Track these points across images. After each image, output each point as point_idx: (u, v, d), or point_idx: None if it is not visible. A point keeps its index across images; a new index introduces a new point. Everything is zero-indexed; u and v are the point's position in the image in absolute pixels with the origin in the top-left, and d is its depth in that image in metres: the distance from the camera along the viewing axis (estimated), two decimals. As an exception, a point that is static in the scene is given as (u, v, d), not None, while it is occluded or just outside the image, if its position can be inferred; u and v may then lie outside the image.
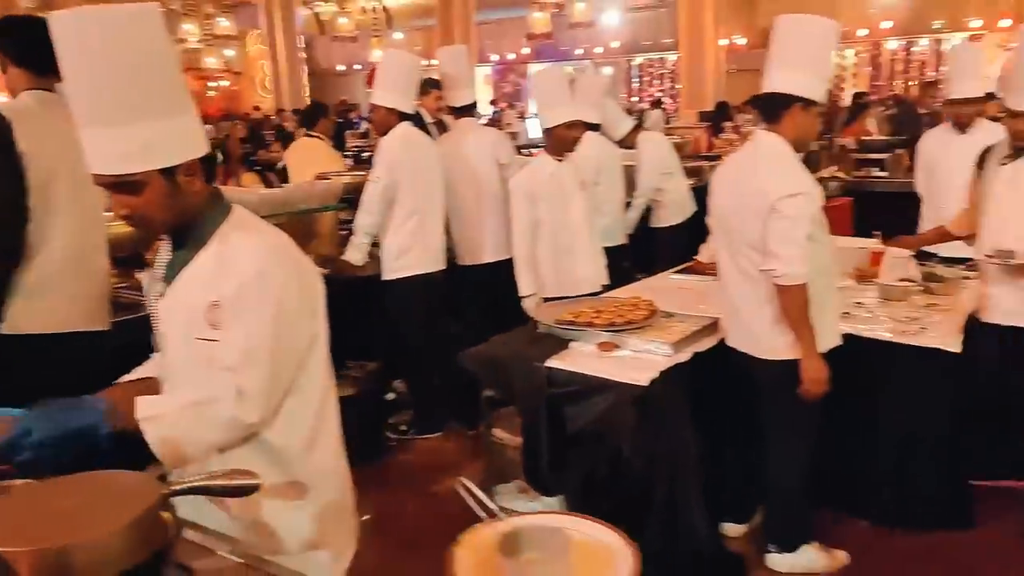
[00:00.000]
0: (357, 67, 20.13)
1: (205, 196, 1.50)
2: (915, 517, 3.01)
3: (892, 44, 16.11)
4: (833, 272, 2.78)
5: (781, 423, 2.75)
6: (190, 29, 15.77)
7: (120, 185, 1.40)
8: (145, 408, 1.40)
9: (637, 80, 19.44)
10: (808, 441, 2.73)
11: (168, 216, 1.45)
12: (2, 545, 1.00)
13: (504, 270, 3.77)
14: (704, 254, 3.90)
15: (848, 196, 6.39)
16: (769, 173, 2.57)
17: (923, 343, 2.91)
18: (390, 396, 4.29)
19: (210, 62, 18.37)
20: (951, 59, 4.32)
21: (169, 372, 1.58)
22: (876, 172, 7.04)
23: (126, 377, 1.68)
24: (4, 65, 2.52)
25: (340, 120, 9.78)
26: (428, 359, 4.05)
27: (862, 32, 15.93)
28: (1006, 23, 13.69)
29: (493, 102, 18.24)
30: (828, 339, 2.66)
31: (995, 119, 4.11)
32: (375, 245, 3.96)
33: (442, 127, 5.06)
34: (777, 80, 2.59)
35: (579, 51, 18.75)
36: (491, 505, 1.18)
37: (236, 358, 1.42)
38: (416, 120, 4.84)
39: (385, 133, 3.90)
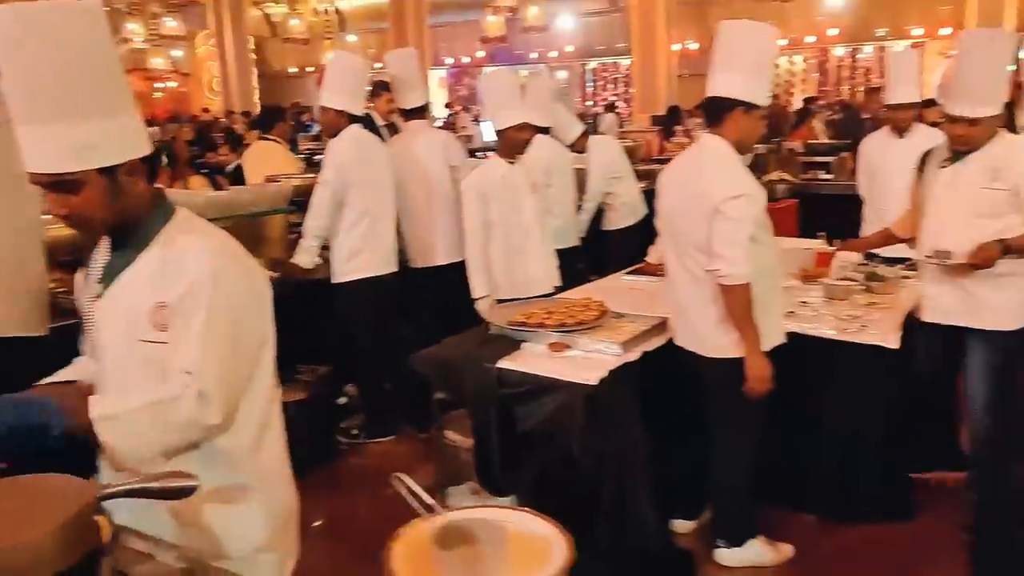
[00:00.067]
0: (310, 69, 19.93)
1: (147, 197, 1.49)
2: (858, 511, 3.09)
3: (839, 51, 16.55)
4: (777, 272, 2.84)
5: (726, 421, 2.81)
6: (135, 29, 15.43)
7: (57, 184, 1.39)
8: (100, 407, 1.37)
9: (591, 84, 19.60)
10: (753, 438, 2.79)
11: (108, 216, 1.44)
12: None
13: (456, 272, 3.78)
14: (653, 255, 3.96)
15: (795, 198, 6.53)
16: (713, 175, 2.63)
17: (863, 340, 2.99)
18: (341, 400, 4.26)
19: (156, 63, 17.99)
20: (889, 66, 4.45)
21: (105, 376, 1.55)
22: (822, 175, 7.22)
23: (47, 380, 1.64)
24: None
25: (292, 123, 9.69)
26: (379, 362, 4.03)
27: (810, 39, 16.32)
28: (946, 31, 14.16)
29: (448, 105, 18.22)
30: (772, 338, 2.72)
31: (936, 124, 4.25)
32: (325, 248, 3.93)
33: (393, 129, 5.05)
34: (719, 84, 2.65)
35: (534, 55, 18.85)
36: (428, 500, 1.19)
37: (192, 359, 1.40)
38: (367, 122, 4.82)
39: (334, 135, 3.88)
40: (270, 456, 1.65)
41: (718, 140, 2.67)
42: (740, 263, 2.54)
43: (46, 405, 1.36)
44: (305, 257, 3.83)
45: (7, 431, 1.31)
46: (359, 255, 3.88)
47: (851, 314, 3.24)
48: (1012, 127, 3.48)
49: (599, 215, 5.34)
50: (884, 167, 4.25)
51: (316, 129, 11.59)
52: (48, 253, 2.66)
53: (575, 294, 3.59)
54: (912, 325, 3.14)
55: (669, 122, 10.32)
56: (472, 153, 6.20)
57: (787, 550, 2.95)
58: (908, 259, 3.66)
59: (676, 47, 14.13)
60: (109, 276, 1.52)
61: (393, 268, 4.03)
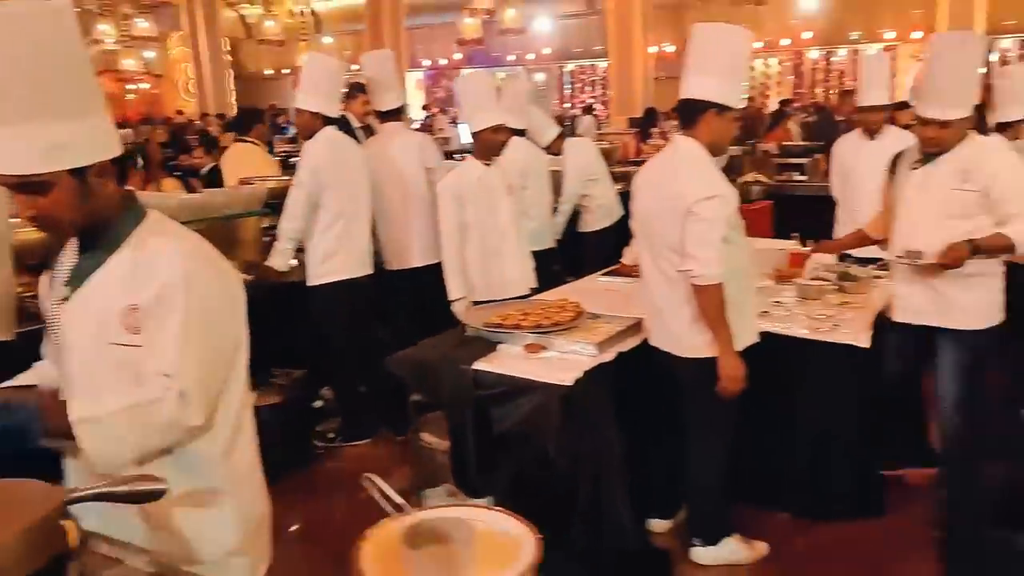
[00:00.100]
0: (285, 71, 19.81)
1: (117, 199, 1.49)
2: (831, 509, 3.13)
3: (813, 54, 16.71)
4: (750, 272, 2.86)
5: (700, 420, 2.83)
6: (106, 30, 15.18)
7: (26, 186, 1.38)
8: (79, 410, 1.36)
9: (569, 86, 19.65)
10: (726, 437, 2.82)
11: (77, 217, 1.43)
12: None
13: (432, 274, 3.78)
14: (628, 256, 3.98)
15: (769, 199, 6.59)
16: (687, 177, 2.65)
17: (835, 340, 3.03)
18: (317, 403, 4.24)
19: (128, 64, 17.73)
20: (861, 69, 4.52)
21: (71, 379, 1.54)
22: (796, 176, 7.29)
23: (4, 385, 1.62)
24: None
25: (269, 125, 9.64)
26: (355, 365, 4.02)
27: (785, 42, 16.49)
28: (917, 35, 14.36)
29: (425, 107, 18.19)
30: (745, 337, 2.74)
31: (908, 126, 4.31)
32: (300, 250, 3.91)
33: (369, 131, 5.03)
34: (692, 86, 2.67)
35: (511, 57, 18.86)
36: (398, 499, 1.19)
37: (170, 361, 1.40)
38: (343, 124, 4.80)
39: (309, 137, 3.87)
40: (242, 460, 1.65)
41: (691, 142, 2.69)
42: (713, 264, 2.56)
43: (25, 407, 1.35)
44: (280, 260, 3.81)
45: None
46: (334, 257, 3.87)
47: (824, 314, 3.28)
48: (982, 129, 3.53)
49: (575, 217, 5.36)
50: (856, 169, 4.30)
51: (292, 131, 11.54)
52: (16, 257, 2.62)
53: (551, 295, 3.60)
54: (883, 325, 3.18)
55: (645, 124, 10.37)
56: (450, 155, 6.20)
57: (762, 548, 2.98)
58: (880, 259, 3.71)
59: (653, 50, 14.20)
60: (77, 279, 1.50)
61: (368, 270, 4.02)
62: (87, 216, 1.44)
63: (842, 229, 4.29)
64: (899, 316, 3.13)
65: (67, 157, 1.37)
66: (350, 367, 4.05)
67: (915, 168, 3.02)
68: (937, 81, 2.87)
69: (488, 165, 3.65)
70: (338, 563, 1.21)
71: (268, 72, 20.96)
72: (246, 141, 5.64)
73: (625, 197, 5.37)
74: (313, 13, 18.84)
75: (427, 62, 20.39)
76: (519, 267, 3.76)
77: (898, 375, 3.24)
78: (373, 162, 4.11)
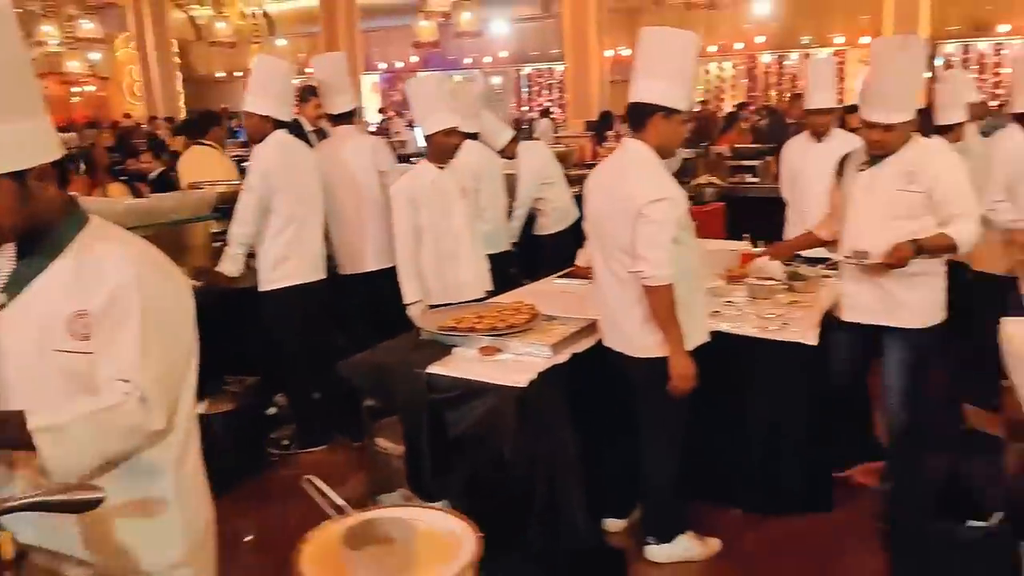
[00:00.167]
0: (238, 74, 19.52)
1: (58, 203, 1.46)
2: (782, 504, 3.19)
3: (766, 57, 17.02)
4: (700, 273, 2.90)
5: (653, 419, 2.86)
6: (50, 31, 14.80)
7: None
8: (40, 419, 1.32)
9: (526, 90, 19.72)
10: (678, 436, 2.85)
11: (17, 222, 1.40)
12: None
13: (387, 278, 3.75)
14: (581, 258, 4.00)
15: (722, 201, 6.69)
16: (636, 180, 2.68)
17: (784, 338, 3.09)
18: (271, 410, 4.19)
19: (73, 66, 17.30)
20: (809, 72, 4.61)
21: (7, 387, 1.49)
22: (749, 178, 7.41)
23: None
24: None
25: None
26: (308, 371, 3.97)
27: (738, 46, 16.78)
28: (866, 40, 14.71)
29: (381, 110, 18.12)
30: (696, 337, 2.78)
31: (855, 130, 4.41)
32: (252, 256, 3.86)
33: (322, 135, 4.99)
34: (641, 90, 2.70)
35: (468, 60, 18.88)
36: (339, 501, 1.19)
37: (128, 365, 1.37)
38: (295, 128, 4.76)
39: (260, 141, 3.82)
40: (191, 471, 1.63)
41: (640, 145, 2.72)
42: (663, 265, 2.59)
43: None
44: (230, 265, 3.75)
45: None
46: (286, 262, 3.83)
47: (773, 313, 3.34)
48: (926, 131, 3.63)
49: (531, 220, 5.37)
50: (804, 171, 4.38)
51: (245, 135, 11.39)
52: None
53: (507, 298, 3.61)
54: (830, 324, 3.25)
55: (601, 127, 10.46)
56: (406, 158, 6.19)
57: (714, 544, 3.02)
58: (828, 259, 3.79)
59: (609, 53, 14.33)
60: (16, 285, 1.47)
61: (321, 275, 3.98)
62: (27, 220, 1.40)
63: (792, 230, 4.36)
64: (847, 315, 3.20)
65: (6, 160, 1.34)
66: (303, 373, 4.00)
67: (862, 170, 3.08)
68: (881, 85, 2.94)
69: (442, 168, 3.64)
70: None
71: (219, 75, 20.62)
72: (204, 144, 5.56)
73: (581, 200, 5.41)
74: (266, 15, 18.60)
75: (383, 65, 20.29)
76: (474, 270, 3.76)
77: (846, 374, 3.31)
78: (325, 166, 4.08)
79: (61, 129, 13.79)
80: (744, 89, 17.10)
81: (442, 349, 2.99)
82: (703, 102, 15.78)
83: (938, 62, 14.64)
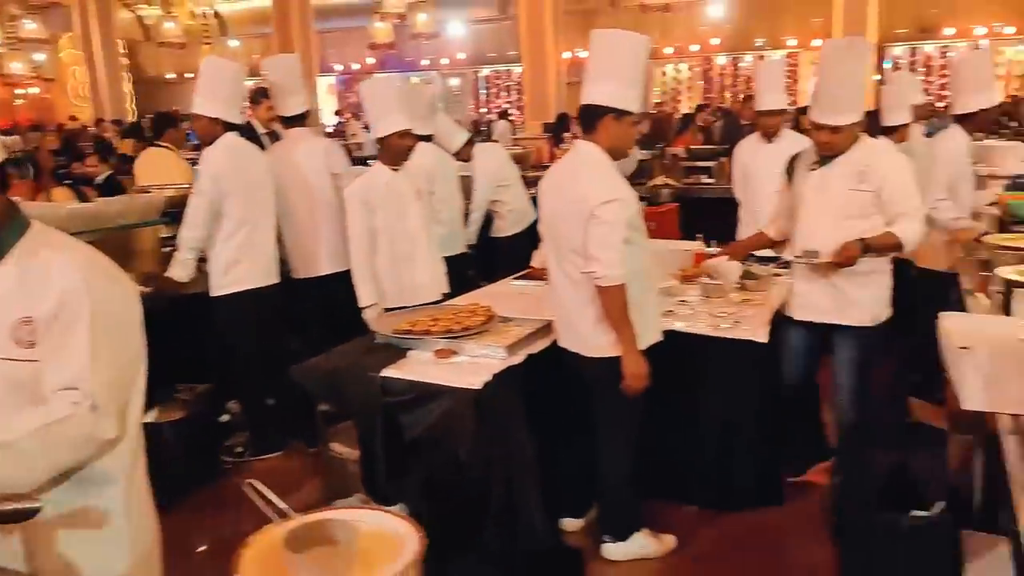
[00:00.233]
0: (189, 75, 19.19)
1: None
2: (736, 499, 3.24)
3: (721, 59, 17.26)
4: (652, 273, 2.93)
5: (608, 418, 2.88)
6: (-9, 33, 14.43)
7: None
8: None
9: (485, 91, 19.72)
10: (632, 434, 2.88)
11: None
12: None
13: (342, 282, 3.72)
14: (536, 260, 4.02)
15: (677, 202, 6.76)
16: (588, 181, 2.69)
17: (735, 336, 3.13)
18: (224, 418, 4.12)
19: (16, 67, 16.82)
20: (758, 75, 4.69)
21: None
22: (704, 179, 7.51)
23: None
24: None
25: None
26: (262, 377, 3.92)
27: (694, 48, 16.99)
28: (818, 43, 15.01)
29: (338, 112, 17.96)
30: (649, 336, 2.81)
31: (808, 131, 4.48)
32: (203, 260, 3.80)
33: (275, 137, 4.93)
34: (591, 92, 2.72)
35: (425, 61, 18.82)
36: (281, 505, 1.19)
37: (78, 372, 1.35)
38: (248, 131, 4.70)
39: (210, 143, 3.76)
40: (141, 479, 1.61)
41: (592, 146, 2.74)
42: (615, 265, 2.62)
43: None
44: (180, 270, 3.69)
45: None
46: (237, 266, 3.77)
47: (725, 311, 3.38)
48: (874, 133, 3.71)
49: (488, 222, 5.37)
50: (756, 171, 4.45)
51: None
52: None
53: (463, 300, 3.60)
54: (781, 322, 3.30)
55: (558, 129, 10.49)
56: (363, 161, 6.13)
57: (670, 540, 3.06)
58: (779, 258, 3.86)
59: (566, 55, 14.40)
60: None
61: (274, 279, 3.94)
62: None
63: (745, 230, 4.42)
64: (799, 314, 3.24)
65: None
66: (257, 379, 3.95)
67: (813, 170, 3.13)
68: (828, 87, 2.99)
69: (396, 170, 3.62)
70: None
71: (170, 76, 20.22)
72: (160, 146, 5.45)
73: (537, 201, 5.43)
74: (217, 15, 18.32)
75: (339, 67, 20.12)
76: (430, 272, 3.75)
77: (798, 372, 3.34)
78: (277, 168, 4.03)
79: (4, 132, 13.39)
80: (700, 91, 17.32)
81: (397, 352, 2.97)
82: (659, 104, 15.95)
83: (887, 64, 15.01)
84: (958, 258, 3.79)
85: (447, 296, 3.75)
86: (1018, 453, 1.61)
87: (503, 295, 3.78)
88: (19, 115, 17.99)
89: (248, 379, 3.97)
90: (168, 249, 3.96)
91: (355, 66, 19.77)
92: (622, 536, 2.97)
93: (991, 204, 4.07)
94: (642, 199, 5.76)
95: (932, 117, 7.28)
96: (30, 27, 14.52)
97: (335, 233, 4.03)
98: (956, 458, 2.61)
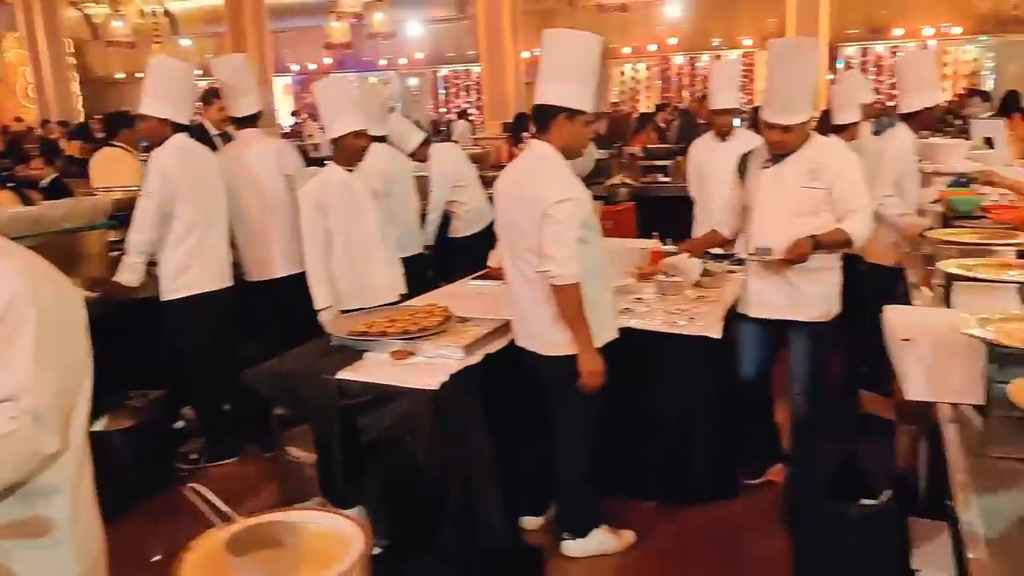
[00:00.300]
0: (139, 75, 18.78)
1: None
2: (692, 494, 3.28)
3: (679, 59, 17.44)
4: (607, 272, 2.94)
5: (565, 416, 2.90)
6: (-68, 32, 13.94)
7: None
8: None
9: (444, 91, 19.67)
10: (589, 431, 2.90)
11: None
12: None
13: (297, 284, 3.68)
14: (493, 259, 4.02)
15: (634, 200, 6.82)
16: (542, 180, 2.70)
17: (690, 332, 3.17)
18: (179, 424, 4.04)
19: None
20: (712, 74, 4.75)
21: None
22: (661, 178, 7.58)
23: None
24: None
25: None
26: (216, 382, 3.86)
27: (652, 47, 17.14)
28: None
29: (294, 113, 17.76)
30: (604, 335, 2.82)
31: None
32: (153, 264, 3.72)
33: (228, 139, 4.85)
34: (544, 92, 2.72)
35: (383, 62, 18.70)
36: (224, 509, 1.17)
37: (20, 381, 1.31)
38: (199, 132, 4.62)
39: (159, 145, 3.69)
40: (88, 490, 1.57)
41: (546, 146, 2.74)
42: (569, 264, 2.63)
43: None
44: (129, 274, 3.61)
45: None
46: (188, 270, 3.71)
47: (681, 308, 3.42)
48: (825, 131, 3.77)
49: (446, 223, 5.35)
50: (710, 169, 4.51)
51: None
52: None
53: (421, 301, 3.59)
54: (735, 319, 3.34)
55: (516, 129, 10.51)
56: (321, 162, 6.05)
57: (628, 536, 3.08)
58: (732, 255, 3.91)
59: (525, 55, 14.43)
60: None
61: (228, 282, 3.88)
62: None
63: (700, 228, 4.48)
64: (755, 312, 3.26)
65: None
66: (211, 384, 3.89)
67: (766, 167, 3.16)
68: (778, 87, 3.03)
69: (350, 171, 3.60)
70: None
71: (119, 76, 19.76)
72: (115, 147, 5.33)
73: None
74: (167, 13, 17.96)
75: (295, 67, 19.89)
76: (387, 273, 3.72)
77: (755, 371, 3.37)
78: (229, 170, 3.97)
79: (-55, 134, 12.88)
80: (658, 90, 17.49)
81: (353, 354, 2.95)
82: (615, 103, 16.06)
83: (840, 64, 15.31)
84: (905, 253, 3.88)
85: (405, 297, 3.73)
86: (957, 442, 1.65)
87: (461, 295, 3.77)
88: (-39, 117, 17.44)
89: (202, 384, 3.91)
90: (116, 253, 3.87)
91: (312, 66, 19.56)
92: (581, 533, 2.99)
93: (935, 201, 4.17)
94: (600, 198, 5.84)
95: (882, 116, 7.44)
96: (-27, 26, 14.09)
97: (289, 235, 3.98)
98: (904, 448, 2.68)
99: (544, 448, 2.98)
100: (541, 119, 2.76)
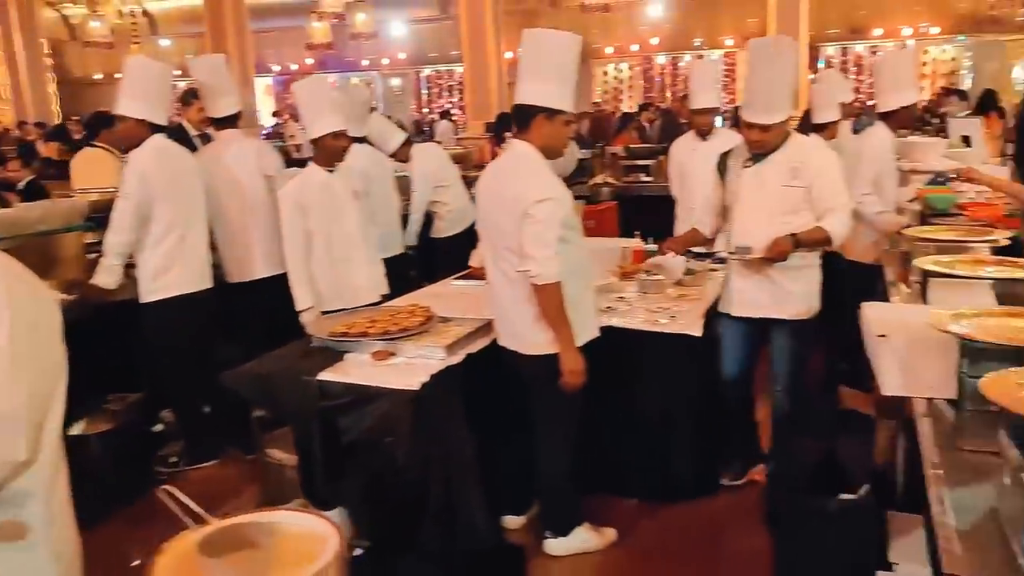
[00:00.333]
0: (118, 76, 18.58)
1: None
2: (674, 491, 3.29)
3: (661, 59, 17.48)
4: (588, 271, 2.95)
5: (547, 416, 2.90)
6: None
7: None
8: None
9: (427, 91, 19.62)
10: (571, 430, 2.90)
11: None
12: None
13: (278, 285, 3.66)
14: (475, 259, 4.02)
15: (617, 200, 6.83)
16: (523, 180, 2.70)
17: (671, 330, 3.18)
18: (158, 427, 4.01)
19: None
20: (692, 74, 4.77)
21: None
22: (643, 177, 7.59)
23: None
24: None
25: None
26: (195, 384, 3.83)
27: (634, 47, 17.17)
28: (753, 42, 15.35)
29: (276, 113, 17.66)
30: (586, 334, 2.83)
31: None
32: (131, 266, 3.69)
33: (208, 139, 4.82)
34: (523, 92, 2.73)
35: (365, 62, 18.63)
36: (197, 510, 1.16)
37: None
38: (178, 132, 4.59)
39: (136, 146, 3.66)
40: (63, 495, 1.54)
41: (525, 146, 2.75)
42: (550, 263, 2.63)
43: None
44: (106, 277, 3.57)
45: None
46: (168, 272, 3.68)
47: (662, 306, 3.43)
48: (805, 130, 3.80)
49: (428, 223, 5.34)
50: (691, 169, 4.53)
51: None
52: None
53: (402, 301, 3.58)
54: (717, 317, 3.35)
55: (499, 128, 10.51)
56: (303, 162, 6.02)
57: (610, 534, 3.09)
58: (713, 253, 3.92)
59: (508, 55, 14.43)
60: None
61: (207, 284, 3.85)
62: None
63: (682, 226, 4.49)
64: (737, 311, 3.26)
65: None
66: (191, 387, 3.86)
67: (747, 166, 3.17)
68: (757, 87, 3.04)
69: (331, 171, 3.58)
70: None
71: (97, 77, 19.53)
72: (96, 147, 5.27)
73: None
74: (146, 13, 17.79)
75: (277, 67, 19.77)
76: (368, 274, 3.71)
77: (738, 370, 3.37)
78: (208, 171, 3.94)
79: (-80, 136, 12.70)
80: (641, 90, 17.52)
81: (334, 355, 2.94)
82: (597, 103, 16.09)
83: (820, 64, 15.42)
84: (883, 251, 3.91)
85: (388, 297, 3.72)
86: (931, 436, 1.67)
87: (443, 295, 3.76)
88: (-61, 119, 17.19)
89: (181, 387, 3.88)
90: (94, 255, 3.83)
91: (293, 67, 19.44)
92: (563, 532, 2.99)
93: (912, 200, 4.22)
94: (582, 198, 5.84)
95: (861, 115, 7.51)
96: (-53, 27, 13.89)
97: (269, 236, 3.96)
98: (882, 443, 2.70)
99: (526, 447, 2.98)
100: (521, 119, 2.76)
